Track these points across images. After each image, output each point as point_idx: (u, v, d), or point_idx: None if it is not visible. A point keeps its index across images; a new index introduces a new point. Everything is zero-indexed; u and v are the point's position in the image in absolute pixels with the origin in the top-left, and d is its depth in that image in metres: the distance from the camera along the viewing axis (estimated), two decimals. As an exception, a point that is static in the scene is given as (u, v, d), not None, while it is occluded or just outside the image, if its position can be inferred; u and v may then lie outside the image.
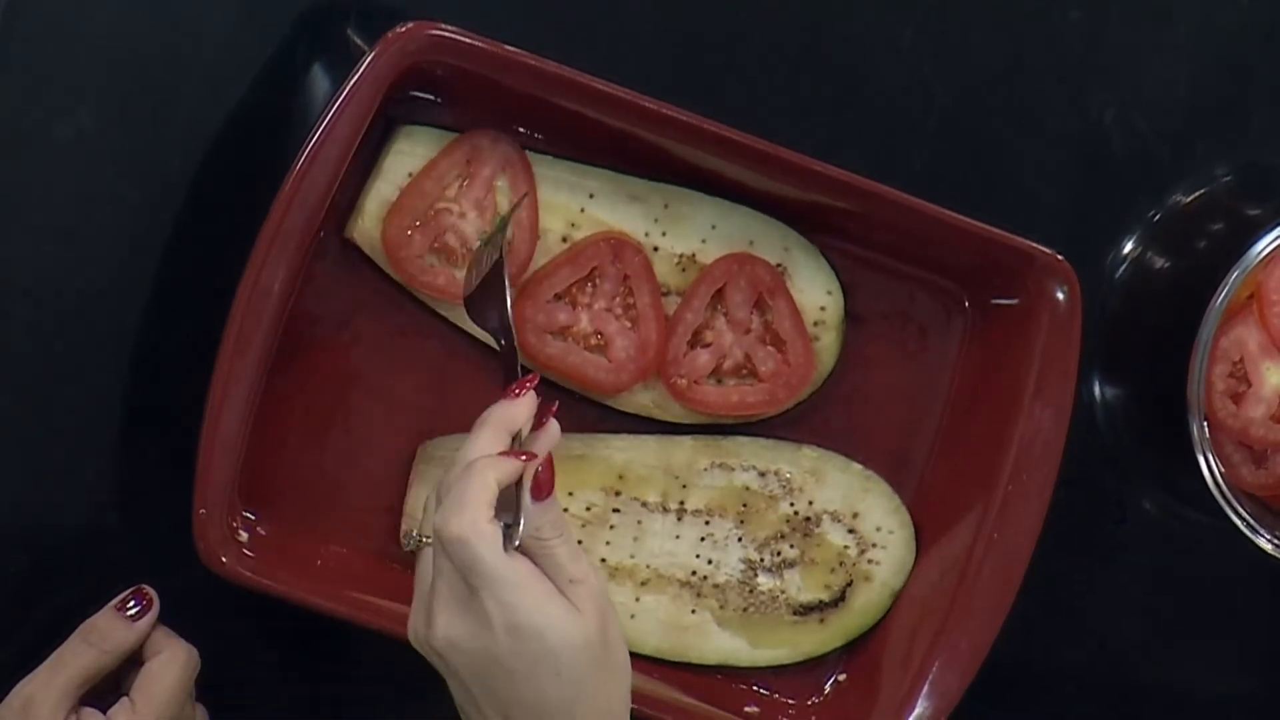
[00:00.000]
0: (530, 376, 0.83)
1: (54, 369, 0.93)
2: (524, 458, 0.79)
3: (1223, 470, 0.99)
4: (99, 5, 0.92)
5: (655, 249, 0.97)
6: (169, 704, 0.85)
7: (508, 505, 0.78)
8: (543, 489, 0.79)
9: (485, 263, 0.89)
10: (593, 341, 0.96)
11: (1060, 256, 0.96)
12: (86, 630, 0.86)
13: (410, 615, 0.81)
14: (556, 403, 0.83)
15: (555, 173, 0.95)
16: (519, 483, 0.79)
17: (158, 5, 0.93)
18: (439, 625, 0.78)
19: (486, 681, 0.78)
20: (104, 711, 0.85)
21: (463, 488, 0.77)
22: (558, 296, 0.96)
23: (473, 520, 0.76)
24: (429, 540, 0.80)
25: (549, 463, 0.80)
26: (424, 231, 0.93)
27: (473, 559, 0.76)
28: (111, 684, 0.87)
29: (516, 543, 0.78)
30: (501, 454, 0.79)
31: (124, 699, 0.85)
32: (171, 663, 0.86)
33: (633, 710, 0.94)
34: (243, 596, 0.90)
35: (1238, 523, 0.99)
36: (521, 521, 0.78)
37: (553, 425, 0.82)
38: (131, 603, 0.87)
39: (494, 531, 0.77)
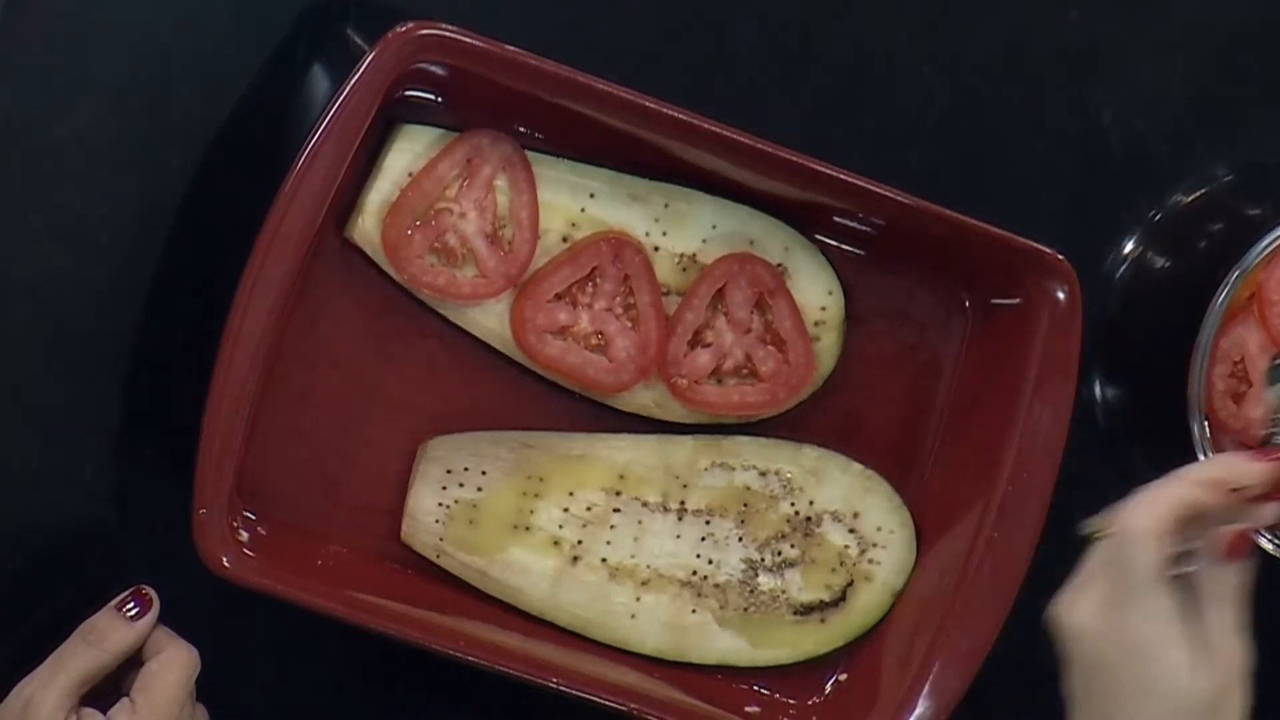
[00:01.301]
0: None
1: (54, 369, 0.93)
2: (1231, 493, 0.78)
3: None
4: (99, 5, 0.92)
5: (656, 249, 0.97)
6: (169, 704, 0.85)
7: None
8: (1233, 551, 0.78)
9: None
10: (593, 341, 0.96)
11: (1060, 256, 0.96)
12: (86, 630, 0.86)
13: (1060, 593, 0.81)
14: None
15: (555, 172, 0.95)
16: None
17: (158, 5, 0.93)
18: (1077, 609, 0.79)
19: (1095, 683, 0.78)
20: (104, 712, 0.85)
21: (1159, 492, 0.78)
22: (558, 296, 0.96)
23: (1145, 520, 0.77)
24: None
25: (1244, 534, 0.78)
26: (424, 231, 0.93)
27: (1126, 558, 0.77)
28: (111, 684, 0.87)
29: (1179, 571, 0.77)
30: (1205, 479, 0.78)
31: (124, 699, 0.85)
32: (172, 663, 0.86)
33: (633, 710, 0.95)
34: (243, 596, 0.90)
35: (1238, 523, 0.99)
36: (1194, 557, 0.78)
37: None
38: (131, 603, 0.87)
39: (1158, 542, 0.77)
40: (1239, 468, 0.80)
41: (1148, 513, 0.78)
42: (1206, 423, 0.99)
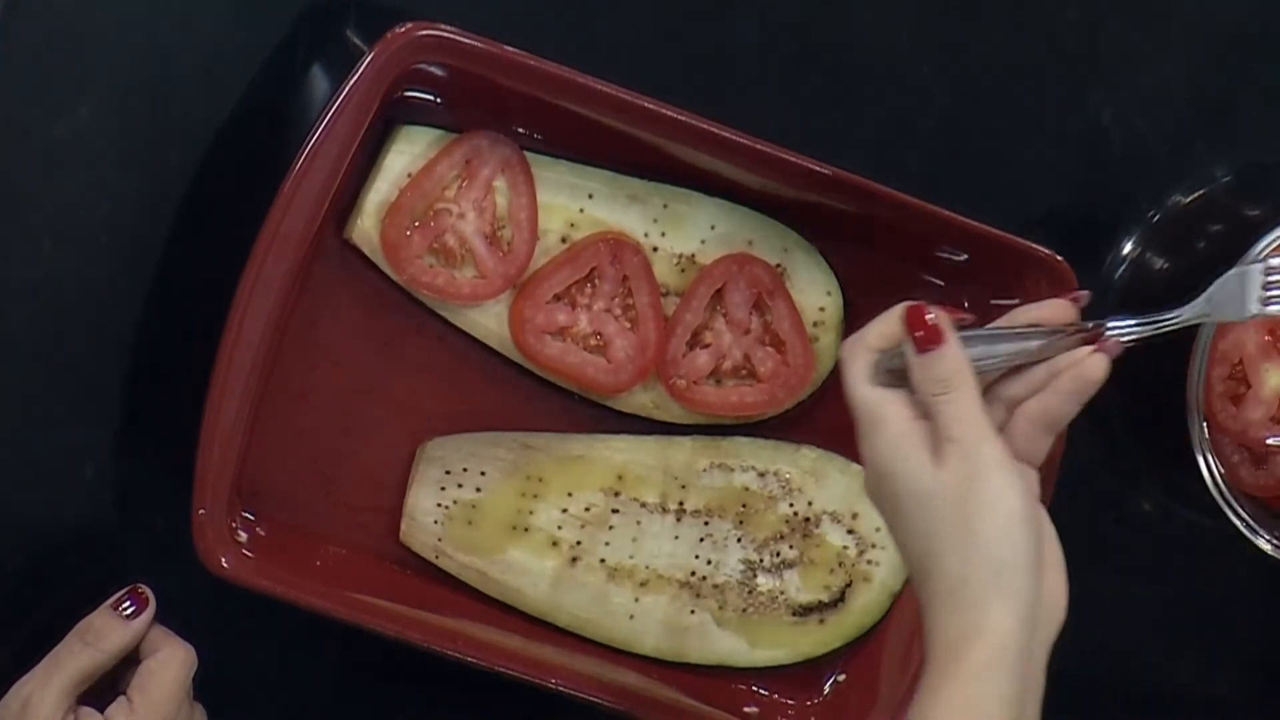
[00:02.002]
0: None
1: (53, 368, 0.93)
2: (923, 310, 0.79)
3: (1223, 471, 0.99)
4: (99, 5, 0.92)
5: (654, 249, 0.97)
6: (167, 703, 0.85)
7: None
8: (923, 342, 0.79)
9: None
10: (592, 342, 0.96)
11: (1059, 257, 0.96)
12: (83, 630, 0.86)
13: None
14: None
15: (554, 173, 0.95)
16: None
17: (157, 5, 0.93)
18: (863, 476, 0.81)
19: (890, 515, 0.80)
20: (101, 710, 0.85)
21: (874, 320, 0.81)
22: (557, 297, 0.96)
23: (851, 343, 0.81)
24: None
25: (934, 322, 0.79)
26: (423, 232, 0.93)
27: (845, 381, 0.80)
28: (109, 683, 0.87)
29: (884, 376, 0.79)
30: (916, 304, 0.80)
31: (121, 698, 0.85)
32: (169, 661, 0.86)
33: (632, 711, 0.95)
34: (242, 596, 0.90)
35: (1237, 524, 0.99)
36: (904, 364, 0.79)
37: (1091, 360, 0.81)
38: (127, 602, 0.87)
39: (864, 358, 0.80)
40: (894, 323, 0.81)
41: (854, 341, 0.81)
42: (1205, 424, 0.99)
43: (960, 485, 0.76)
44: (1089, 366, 0.81)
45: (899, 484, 0.78)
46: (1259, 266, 0.85)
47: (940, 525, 0.76)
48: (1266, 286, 0.85)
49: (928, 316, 0.79)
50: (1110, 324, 0.82)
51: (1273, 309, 0.85)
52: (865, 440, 0.80)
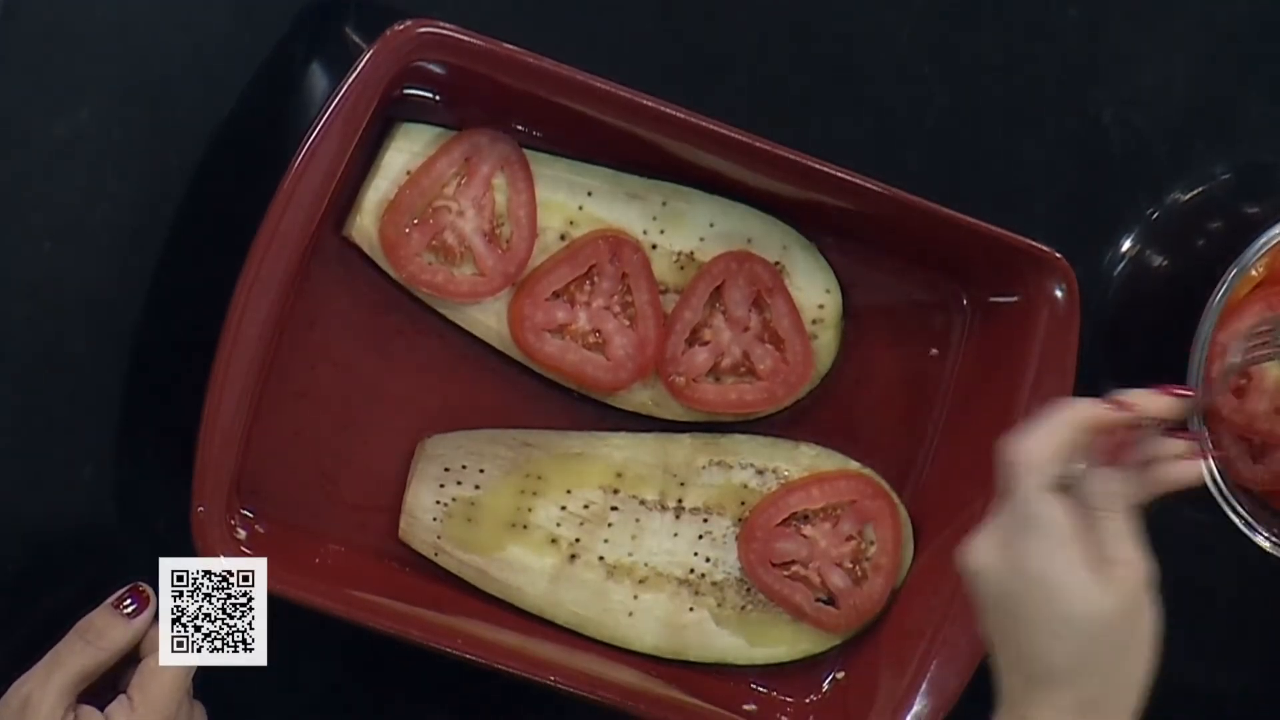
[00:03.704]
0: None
1: (52, 367, 0.93)
2: (1115, 407, 0.80)
3: (1222, 467, 0.99)
4: (99, 5, 0.92)
5: (654, 247, 0.97)
6: (167, 701, 0.85)
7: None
8: (1113, 454, 0.79)
9: None
10: (591, 340, 0.96)
11: (1059, 255, 0.97)
12: (83, 628, 0.86)
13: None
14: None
15: (553, 171, 0.95)
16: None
17: (156, 5, 0.93)
18: (977, 548, 0.79)
19: (1004, 619, 0.79)
20: (102, 709, 0.85)
21: (1047, 420, 0.79)
22: (556, 294, 0.96)
23: (1029, 448, 0.79)
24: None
25: (1125, 439, 0.79)
26: (422, 229, 0.93)
27: (1015, 485, 0.78)
28: (109, 682, 0.87)
29: (1067, 482, 0.78)
30: (1098, 401, 0.80)
31: (121, 696, 0.85)
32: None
33: (631, 709, 0.95)
34: (241, 594, 0.90)
35: (1236, 520, 0.99)
36: (1084, 474, 0.79)
37: (1186, 465, 0.82)
38: (128, 600, 0.87)
39: (1044, 466, 0.78)
40: (1104, 413, 0.80)
41: (1036, 441, 0.79)
42: (1205, 420, 0.99)
43: (1126, 612, 0.77)
44: (1184, 472, 0.83)
45: (1052, 594, 0.77)
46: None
47: (1090, 645, 0.77)
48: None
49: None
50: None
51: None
52: (1020, 540, 0.78)
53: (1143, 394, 0.82)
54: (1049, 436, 0.79)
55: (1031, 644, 0.78)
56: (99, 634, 0.86)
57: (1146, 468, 0.81)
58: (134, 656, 0.87)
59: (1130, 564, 0.77)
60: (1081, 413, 0.80)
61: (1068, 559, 0.77)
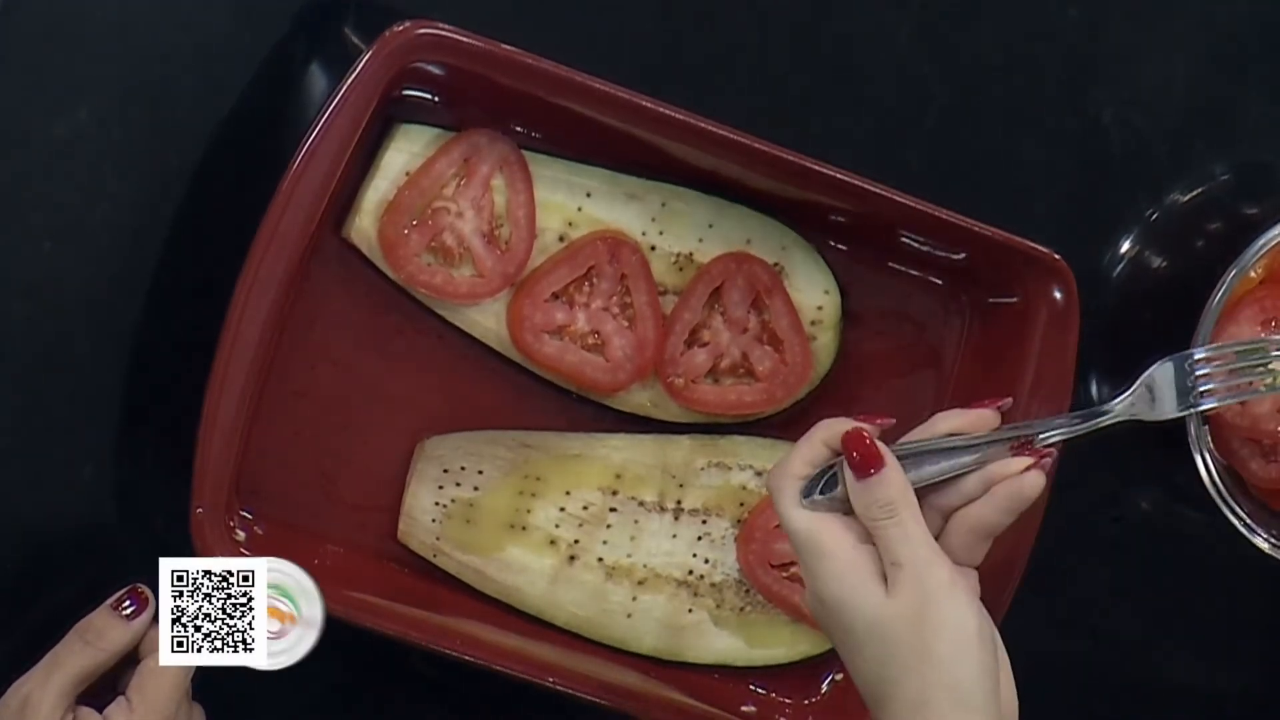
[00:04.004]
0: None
1: (52, 367, 0.93)
2: (861, 420, 0.80)
3: (1224, 466, 0.99)
4: (97, 5, 0.92)
5: (652, 248, 0.97)
6: (165, 702, 0.85)
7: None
8: (860, 467, 0.79)
9: None
10: (590, 341, 0.96)
11: (1058, 256, 0.97)
12: (83, 629, 0.86)
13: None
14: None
15: (552, 172, 0.95)
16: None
17: (156, 4, 0.93)
18: (805, 595, 0.81)
19: (839, 647, 0.80)
20: (100, 710, 0.85)
21: (800, 443, 0.80)
22: (555, 295, 0.96)
23: (778, 472, 0.80)
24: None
25: (871, 445, 0.79)
26: (421, 230, 0.93)
27: (778, 511, 0.79)
28: (108, 683, 0.87)
29: (814, 500, 0.79)
30: (848, 419, 0.80)
31: (120, 697, 0.85)
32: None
33: (630, 710, 0.95)
34: (240, 595, 0.90)
35: (1235, 522, 0.99)
36: (838, 491, 0.79)
37: (1029, 478, 0.81)
38: (127, 602, 0.87)
39: (794, 486, 0.79)
40: (848, 425, 0.80)
41: (781, 469, 0.80)
42: (1206, 422, 0.99)
43: (914, 610, 0.76)
44: (1025, 484, 0.81)
45: (851, 615, 0.77)
46: (1186, 357, 0.85)
47: (896, 650, 0.76)
48: (1195, 381, 0.86)
49: (866, 439, 0.79)
50: (1040, 431, 0.82)
51: (1205, 405, 0.86)
52: (809, 570, 0.79)
53: (947, 414, 0.83)
54: (794, 454, 0.80)
55: (850, 664, 0.79)
56: (98, 635, 0.86)
57: (997, 490, 0.81)
58: (133, 658, 0.87)
59: (912, 564, 0.77)
60: (827, 431, 0.80)
61: (856, 574, 0.77)
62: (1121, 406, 0.86)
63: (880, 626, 0.77)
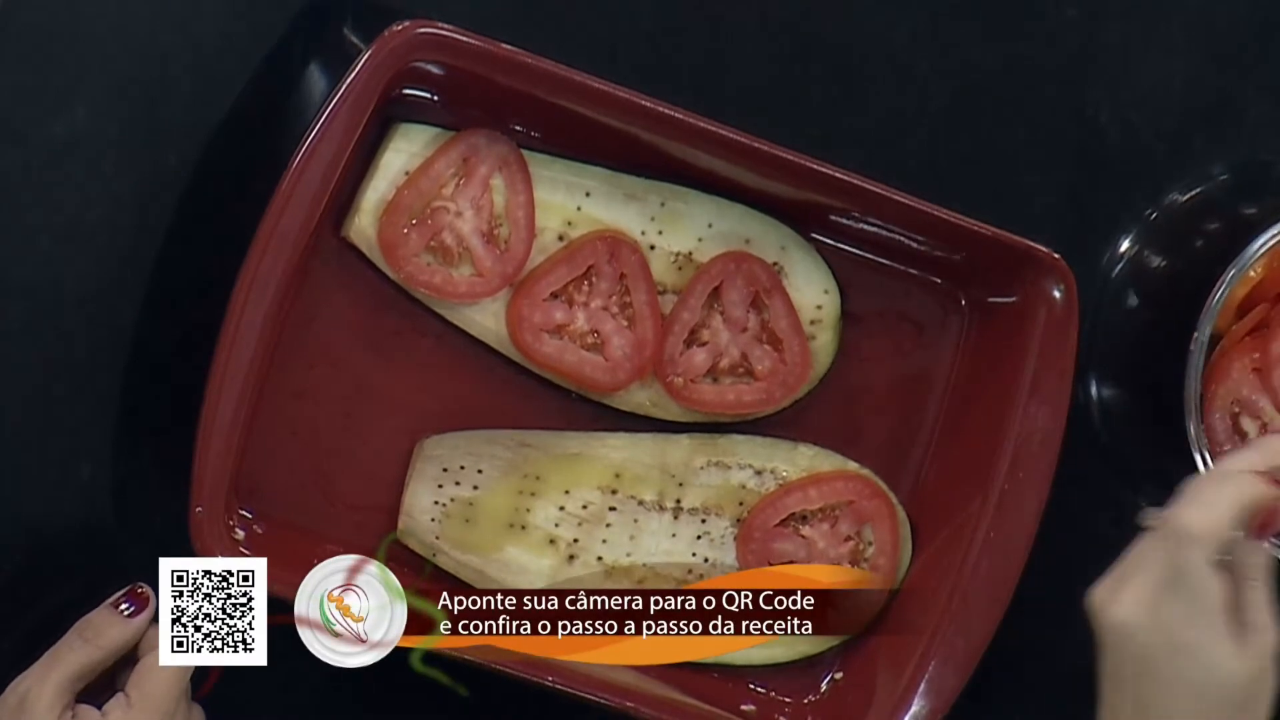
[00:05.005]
0: None
1: (50, 367, 0.93)
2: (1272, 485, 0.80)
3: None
4: (96, 4, 0.92)
5: (652, 247, 0.97)
6: (164, 700, 0.85)
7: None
8: (1265, 529, 0.80)
9: None
10: (589, 340, 0.96)
11: (1057, 255, 0.96)
12: (82, 627, 0.86)
13: (1101, 581, 0.82)
14: None
15: (551, 171, 0.95)
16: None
17: (155, 5, 0.93)
18: (1122, 604, 0.79)
19: (1137, 674, 0.79)
20: (99, 708, 0.85)
21: (1217, 491, 0.79)
22: (554, 295, 0.96)
23: (1201, 520, 0.78)
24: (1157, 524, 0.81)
25: (1275, 507, 0.80)
26: (420, 230, 0.94)
27: (1181, 558, 0.78)
28: (107, 681, 0.87)
29: (1217, 559, 0.79)
30: (1262, 474, 0.80)
31: (119, 694, 0.85)
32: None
33: (629, 709, 0.95)
34: (239, 595, 0.90)
35: (1235, 522, 0.99)
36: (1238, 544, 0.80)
37: None
38: (127, 601, 0.87)
39: (1213, 541, 0.78)
40: (1269, 492, 0.81)
41: (1207, 514, 0.79)
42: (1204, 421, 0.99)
43: (1255, 677, 0.78)
44: None
45: (1194, 658, 0.78)
46: None
47: (1217, 708, 0.78)
48: None
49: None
50: None
51: None
52: (1171, 603, 0.79)
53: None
54: (1220, 512, 0.79)
55: (1159, 700, 0.79)
56: (97, 633, 0.86)
57: None
58: (132, 656, 0.88)
59: (1266, 630, 0.79)
60: (1248, 491, 0.80)
61: (1214, 627, 0.78)
62: None
63: (1220, 684, 0.78)
